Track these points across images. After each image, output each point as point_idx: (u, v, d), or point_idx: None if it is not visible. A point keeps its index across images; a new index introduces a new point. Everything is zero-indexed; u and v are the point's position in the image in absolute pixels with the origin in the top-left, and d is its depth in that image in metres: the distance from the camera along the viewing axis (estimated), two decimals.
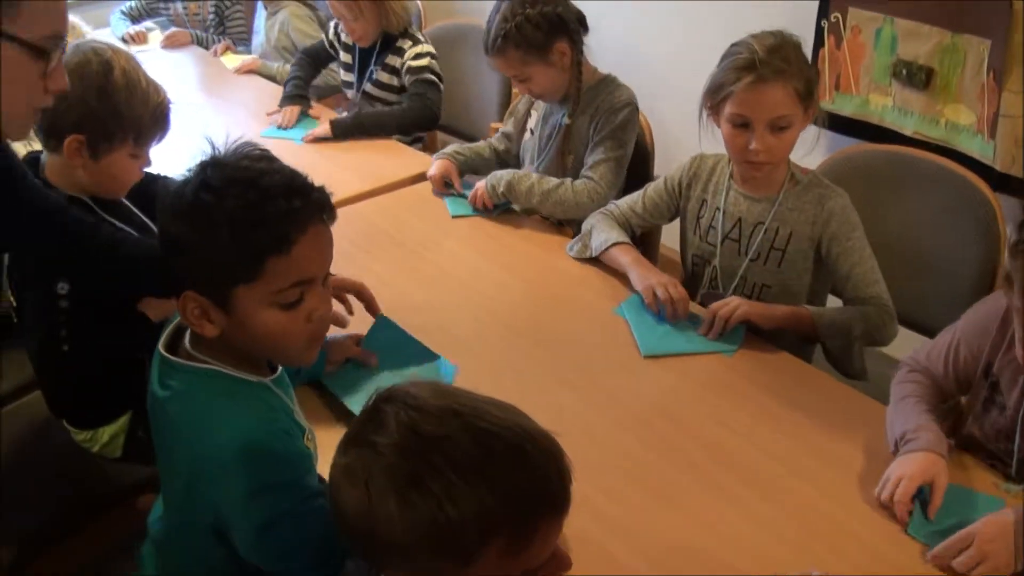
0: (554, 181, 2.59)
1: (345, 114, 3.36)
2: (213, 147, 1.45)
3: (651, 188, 2.39)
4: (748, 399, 1.90)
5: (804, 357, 2.07)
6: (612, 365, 2.01)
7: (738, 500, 1.65)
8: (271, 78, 3.97)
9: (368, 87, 3.44)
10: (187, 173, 1.41)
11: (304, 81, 3.57)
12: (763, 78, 1.97)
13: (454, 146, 2.91)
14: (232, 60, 4.12)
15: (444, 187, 2.79)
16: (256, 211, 1.37)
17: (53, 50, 1.46)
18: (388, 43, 3.39)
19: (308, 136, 3.23)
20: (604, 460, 1.75)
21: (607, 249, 2.31)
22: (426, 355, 2.00)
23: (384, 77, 3.40)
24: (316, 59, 3.65)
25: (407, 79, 3.32)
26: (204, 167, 1.40)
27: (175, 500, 1.52)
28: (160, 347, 1.48)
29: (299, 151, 3.17)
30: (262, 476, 1.38)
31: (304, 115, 3.43)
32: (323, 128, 3.23)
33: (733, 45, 2.06)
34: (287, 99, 3.47)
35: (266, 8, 4.19)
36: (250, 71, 4.01)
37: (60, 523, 2.07)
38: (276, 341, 1.45)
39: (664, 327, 2.10)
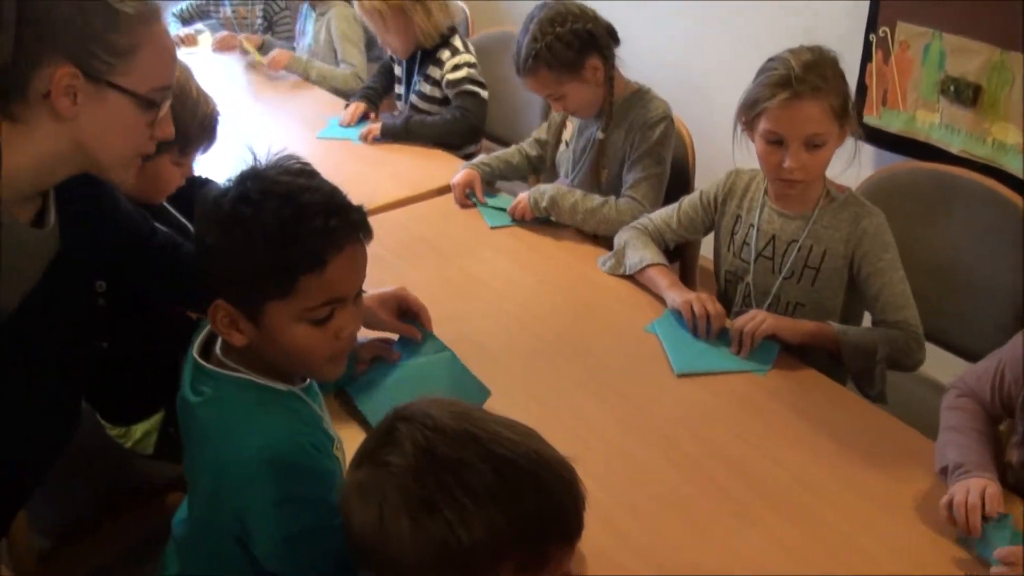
0: (598, 199, 2.58)
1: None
2: (254, 157, 1.46)
3: (686, 202, 2.37)
4: (778, 420, 1.87)
5: (839, 378, 2.04)
6: (641, 381, 2.00)
7: (762, 523, 1.63)
8: (305, 76, 4.01)
9: (413, 99, 3.44)
10: (227, 182, 1.42)
11: (376, 91, 3.61)
12: (798, 95, 1.95)
13: (483, 156, 2.91)
14: (255, 55, 4.14)
15: (465, 197, 2.79)
16: (292, 228, 1.38)
17: (161, 101, 1.57)
18: (428, 54, 3.39)
19: (364, 132, 3.27)
20: (628, 476, 1.74)
21: (643, 269, 2.29)
22: (471, 387, 1.94)
23: (426, 89, 3.40)
24: (388, 71, 3.69)
25: (448, 92, 3.32)
26: (244, 178, 1.41)
27: (200, 505, 1.53)
28: (194, 352, 1.49)
29: (347, 154, 3.21)
30: (287, 488, 1.39)
31: (365, 119, 3.47)
32: (376, 126, 3.27)
33: (769, 60, 2.04)
34: (356, 98, 3.53)
35: (314, 9, 4.20)
36: (282, 65, 4.03)
37: (92, 516, 2.10)
38: (303, 356, 1.47)
39: (697, 345, 2.08)
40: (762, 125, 2.01)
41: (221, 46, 4.37)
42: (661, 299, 2.23)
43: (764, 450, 1.79)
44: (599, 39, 2.52)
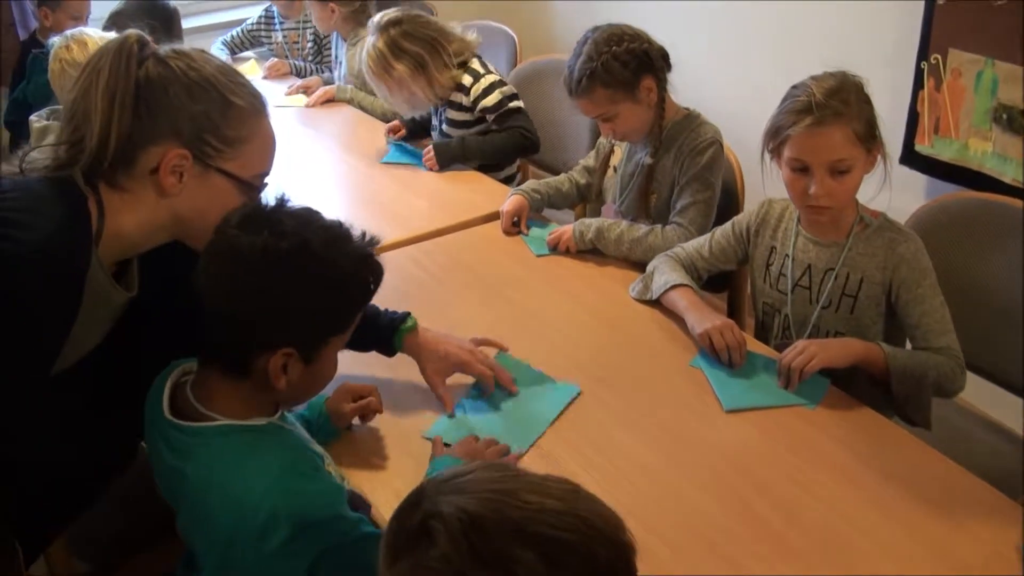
0: (643, 228, 2.57)
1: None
2: (284, 201, 1.51)
3: (719, 232, 2.35)
4: (827, 457, 1.83)
5: (882, 410, 2.00)
6: (686, 415, 1.97)
7: (809, 564, 1.59)
8: (349, 102, 4.04)
9: (445, 128, 3.43)
10: (254, 229, 1.44)
11: (415, 122, 3.60)
12: (820, 121, 1.94)
13: (533, 183, 2.90)
14: (297, 99, 4.16)
15: (512, 225, 2.79)
16: (360, 267, 1.51)
17: (260, 187, 1.70)
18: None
19: (426, 156, 3.29)
20: (672, 512, 1.71)
21: (666, 291, 2.27)
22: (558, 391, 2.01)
23: (455, 115, 3.38)
24: None
25: (489, 117, 3.30)
26: (300, 230, 1.45)
27: (212, 561, 1.50)
28: (166, 415, 1.51)
29: (393, 180, 3.23)
30: (303, 520, 1.40)
31: (402, 146, 3.49)
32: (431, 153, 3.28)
33: (792, 87, 2.03)
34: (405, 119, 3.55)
35: (345, 40, 4.19)
36: (326, 100, 4.06)
37: (133, 543, 2.11)
38: (320, 385, 1.57)
39: (744, 379, 2.05)
40: (787, 153, 2.01)
41: (272, 73, 4.44)
42: None
43: (813, 489, 1.75)
44: (654, 60, 2.52)
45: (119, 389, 1.66)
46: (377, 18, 3.26)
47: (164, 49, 1.63)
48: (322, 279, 1.44)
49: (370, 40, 3.22)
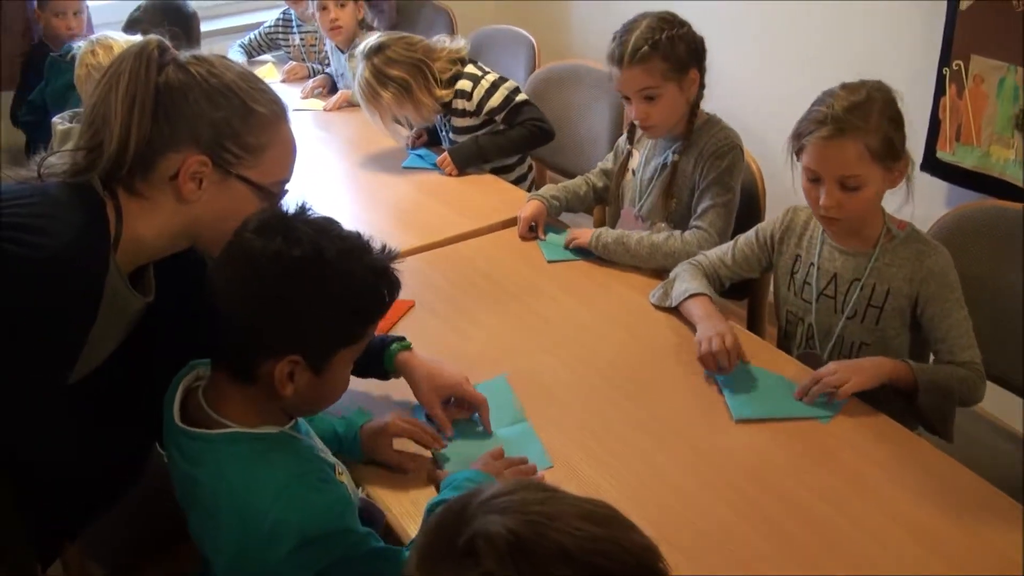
0: (664, 233, 2.56)
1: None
2: (304, 209, 1.50)
3: (742, 239, 2.34)
4: (846, 467, 1.81)
5: (906, 422, 1.97)
6: (703, 422, 1.95)
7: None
8: None
9: (452, 137, 3.42)
10: (267, 234, 1.44)
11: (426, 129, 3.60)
12: (834, 135, 1.93)
13: (551, 188, 2.89)
14: (314, 103, 4.16)
15: (529, 231, 2.78)
16: (379, 278, 1.49)
17: (279, 193, 1.70)
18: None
19: (440, 160, 3.29)
20: (688, 521, 1.70)
21: (684, 300, 2.26)
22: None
23: (460, 122, 3.37)
24: None
25: (497, 117, 3.28)
26: (316, 237, 1.44)
27: (223, 566, 1.50)
28: (177, 423, 1.50)
29: (411, 186, 3.23)
30: (309, 531, 1.40)
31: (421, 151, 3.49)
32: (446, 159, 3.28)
33: (823, 93, 2.01)
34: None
35: (342, 51, 4.16)
36: (343, 105, 4.06)
37: (149, 547, 2.10)
38: (332, 397, 1.56)
39: (759, 389, 2.03)
40: (803, 160, 2.00)
41: (291, 77, 4.44)
42: None
43: (831, 499, 1.73)
44: (704, 56, 2.52)
45: (133, 395, 1.66)
46: (362, 46, 3.27)
47: (184, 55, 1.62)
48: (333, 289, 1.42)
49: (359, 71, 3.23)
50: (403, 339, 1.98)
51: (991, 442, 2.35)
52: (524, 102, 3.28)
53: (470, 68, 3.34)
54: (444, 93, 3.28)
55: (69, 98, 3.59)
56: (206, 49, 1.73)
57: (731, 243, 2.36)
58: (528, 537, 0.96)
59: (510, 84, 3.31)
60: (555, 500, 1.02)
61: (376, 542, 1.52)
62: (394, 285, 1.52)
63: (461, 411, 1.97)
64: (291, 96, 4.15)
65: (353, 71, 3.35)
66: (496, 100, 3.26)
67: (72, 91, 3.61)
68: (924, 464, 1.82)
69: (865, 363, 2.00)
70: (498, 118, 3.29)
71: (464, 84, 3.29)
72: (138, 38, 1.68)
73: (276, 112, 1.66)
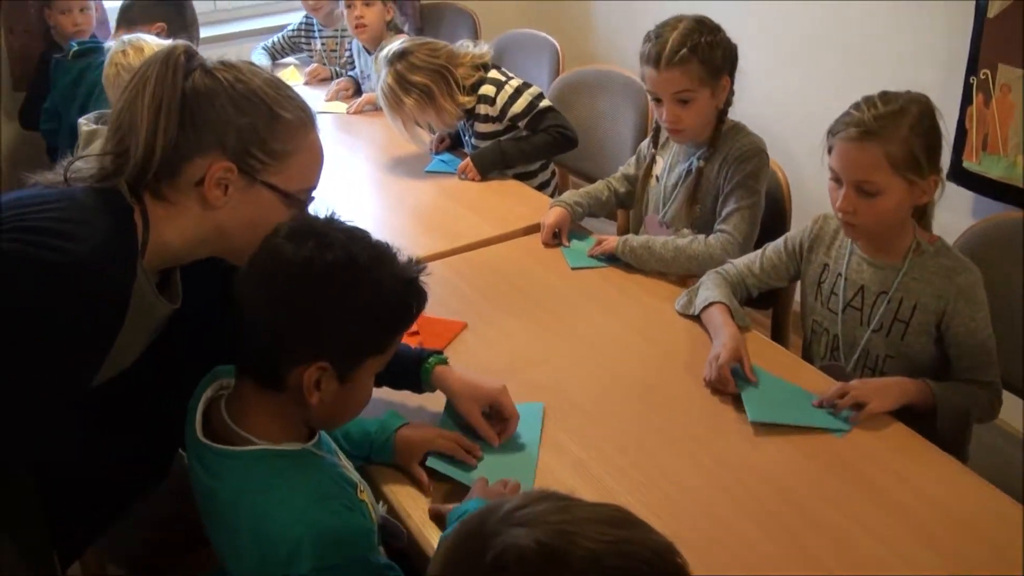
0: (687, 238, 2.55)
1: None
2: (334, 217, 1.51)
3: (770, 248, 2.33)
4: (866, 480, 1.78)
5: (922, 431, 1.95)
6: (725, 432, 1.94)
7: None
8: None
9: (475, 142, 3.42)
10: (299, 240, 1.44)
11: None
12: (858, 137, 1.93)
13: (574, 194, 2.88)
14: (338, 105, 4.16)
15: (553, 238, 2.76)
16: (409, 287, 1.49)
17: (306, 200, 1.69)
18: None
19: (461, 167, 3.28)
20: (708, 533, 1.68)
21: (705, 308, 2.24)
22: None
23: (483, 128, 3.36)
24: None
25: (520, 123, 3.28)
26: (348, 244, 1.44)
27: None
28: (200, 437, 1.50)
29: (436, 190, 3.23)
30: (326, 557, 1.38)
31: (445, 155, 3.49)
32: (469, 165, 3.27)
33: (863, 97, 2.00)
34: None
35: (369, 52, 4.15)
36: (366, 108, 4.04)
37: (168, 545, 2.11)
38: (356, 408, 1.55)
39: (777, 394, 2.01)
40: (830, 159, 2.01)
41: (314, 79, 4.45)
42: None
43: (852, 514, 1.71)
44: (736, 63, 2.52)
45: (158, 399, 1.66)
46: (385, 51, 3.27)
47: (212, 61, 1.62)
48: (364, 296, 1.42)
49: (381, 76, 3.24)
50: (440, 353, 1.97)
51: (989, 441, 2.33)
52: (548, 108, 3.27)
53: (493, 73, 3.33)
54: (467, 99, 3.28)
55: (75, 95, 3.60)
56: (230, 52, 1.72)
57: (759, 252, 2.35)
58: (557, 546, 0.95)
59: (534, 90, 3.30)
60: (573, 508, 1.02)
61: (395, 574, 1.52)
62: (422, 296, 1.52)
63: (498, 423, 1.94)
64: (315, 99, 4.14)
65: (378, 74, 3.35)
66: (519, 106, 3.25)
67: (77, 87, 3.62)
68: (941, 475, 1.81)
69: (892, 385, 1.99)
70: (521, 124, 3.28)
71: (487, 90, 3.29)
72: (170, 42, 1.69)
73: (303, 119, 1.66)
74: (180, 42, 1.63)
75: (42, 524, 1.61)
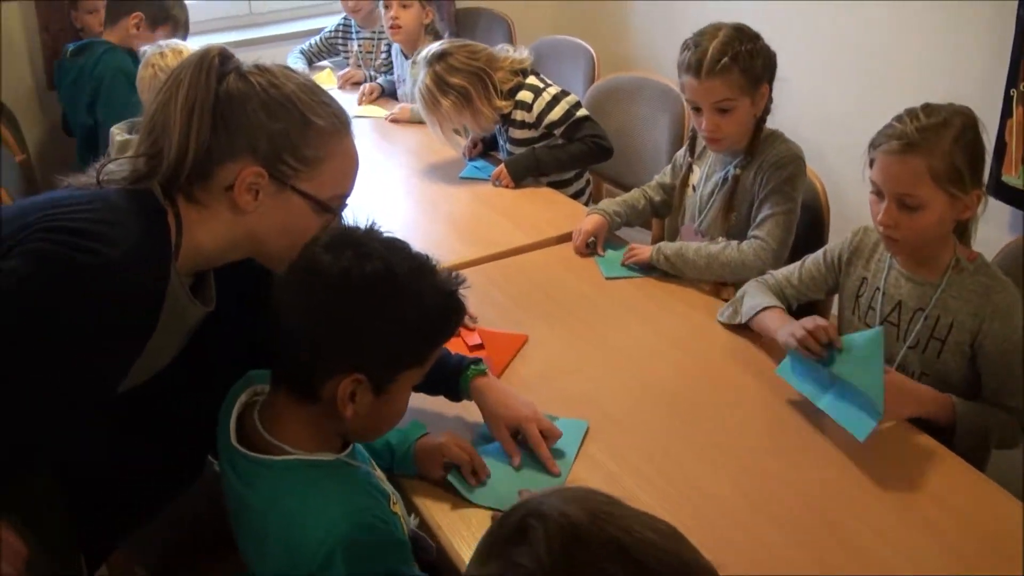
0: (719, 244, 2.54)
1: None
2: (373, 227, 1.51)
3: (809, 260, 2.30)
4: (901, 500, 1.76)
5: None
6: (761, 448, 1.92)
7: None
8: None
9: (510, 148, 3.41)
10: (336, 250, 1.44)
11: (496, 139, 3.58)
12: (900, 151, 1.91)
13: (611, 203, 2.87)
14: (375, 110, 4.15)
15: (586, 246, 2.74)
16: (449, 300, 1.49)
17: (338, 208, 1.68)
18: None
19: (496, 174, 3.27)
20: (745, 553, 1.66)
21: (756, 314, 2.22)
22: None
23: (518, 134, 3.35)
24: None
25: (556, 131, 3.26)
26: (387, 255, 1.44)
27: None
28: (234, 443, 1.50)
29: (470, 196, 3.23)
30: (359, 568, 1.38)
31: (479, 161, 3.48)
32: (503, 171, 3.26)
33: (906, 109, 1.98)
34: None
35: (406, 56, 4.15)
36: (400, 120, 4.02)
37: (195, 548, 2.10)
38: (392, 422, 1.54)
39: (823, 380, 1.97)
40: (871, 172, 1.99)
41: (347, 83, 4.46)
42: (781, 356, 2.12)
43: (879, 528, 1.70)
44: (775, 71, 2.50)
45: (189, 402, 1.66)
46: (425, 52, 3.27)
47: (247, 64, 1.62)
48: (402, 307, 1.42)
49: (420, 77, 3.23)
50: (479, 362, 1.96)
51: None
52: (585, 118, 3.25)
53: (532, 80, 3.32)
54: (504, 104, 3.27)
55: (79, 93, 3.61)
56: (265, 56, 1.72)
57: (798, 263, 2.33)
58: (584, 525, 0.94)
59: (571, 99, 3.29)
60: (618, 504, 0.99)
61: None
62: (460, 310, 1.51)
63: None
64: (349, 103, 4.17)
65: (415, 77, 3.35)
66: (556, 114, 3.24)
67: (78, 85, 3.62)
68: (969, 492, 1.78)
69: (908, 389, 1.97)
70: (557, 132, 3.27)
71: (525, 95, 3.28)
72: (204, 43, 1.69)
73: (336, 125, 1.65)
74: (215, 44, 1.62)
75: (67, 525, 1.61)
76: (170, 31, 3.65)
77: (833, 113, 3.80)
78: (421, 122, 3.72)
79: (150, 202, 1.55)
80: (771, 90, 2.51)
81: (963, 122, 1.93)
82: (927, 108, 1.95)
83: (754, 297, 2.27)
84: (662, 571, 0.93)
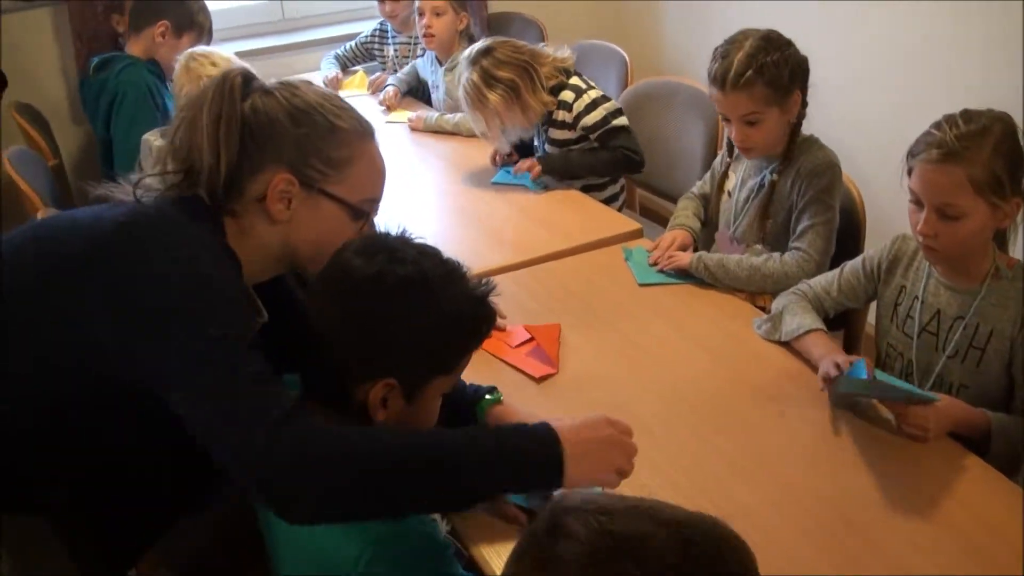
0: (762, 256, 2.51)
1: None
2: (404, 233, 1.52)
3: (847, 268, 2.27)
4: (942, 516, 1.73)
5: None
6: (798, 461, 1.89)
7: None
8: (442, 131, 3.90)
9: (547, 148, 3.39)
10: (370, 256, 1.45)
11: (526, 145, 3.54)
12: (940, 160, 1.87)
13: (687, 217, 2.81)
14: (402, 115, 4.12)
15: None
16: (478, 307, 1.49)
17: (369, 211, 1.70)
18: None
19: (527, 168, 3.24)
20: (775, 565, 1.60)
21: (800, 336, 2.18)
22: None
23: (557, 134, 3.33)
24: None
25: (591, 135, 3.25)
26: (419, 260, 1.45)
27: None
28: None
29: (502, 202, 3.21)
30: (398, 565, 1.38)
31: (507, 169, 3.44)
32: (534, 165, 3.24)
33: (944, 116, 1.95)
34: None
35: (441, 63, 4.14)
36: (416, 128, 3.98)
37: (224, 554, 2.11)
38: (424, 429, 1.52)
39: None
40: (910, 181, 1.95)
41: (377, 88, 4.44)
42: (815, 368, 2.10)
43: (918, 544, 1.67)
44: (807, 76, 2.47)
45: None
46: (468, 51, 3.26)
47: (271, 82, 1.65)
48: (434, 312, 1.42)
49: (465, 75, 3.20)
50: (494, 389, 1.93)
51: None
52: (621, 127, 3.23)
53: (575, 80, 3.31)
54: (549, 99, 3.25)
55: (99, 108, 3.61)
56: (298, 62, 1.76)
57: (836, 272, 2.30)
58: (617, 507, 0.96)
59: (610, 105, 3.26)
60: (648, 499, 1.01)
61: None
62: (491, 316, 1.52)
63: None
64: (377, 107, 4.21)
65: (457, 79, 3.35)
66: (593, 118, 3.22)
67: (98, 100, 3.62)
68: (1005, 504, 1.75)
69: (959, 414, 1.93)
70: (592, 136, 3.25)
71: (566, 95, 3.27)
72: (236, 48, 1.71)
73: (359, 129, 1.68)
74: (235, 68, 1.67)
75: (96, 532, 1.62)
76: (195, 38, 3.65)
77: (867, 117, 3.76)
78: (436, 132, 3.81)
79: (208, 214, 1.58)
80: (805, 95, 2.48)
81: (1003, 129, 1.90)
82: (966, 115, 1.92)
83: (795, 315, 2.23)
84: (697, 536, 0.96)
